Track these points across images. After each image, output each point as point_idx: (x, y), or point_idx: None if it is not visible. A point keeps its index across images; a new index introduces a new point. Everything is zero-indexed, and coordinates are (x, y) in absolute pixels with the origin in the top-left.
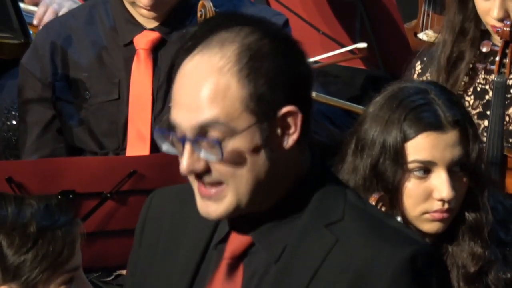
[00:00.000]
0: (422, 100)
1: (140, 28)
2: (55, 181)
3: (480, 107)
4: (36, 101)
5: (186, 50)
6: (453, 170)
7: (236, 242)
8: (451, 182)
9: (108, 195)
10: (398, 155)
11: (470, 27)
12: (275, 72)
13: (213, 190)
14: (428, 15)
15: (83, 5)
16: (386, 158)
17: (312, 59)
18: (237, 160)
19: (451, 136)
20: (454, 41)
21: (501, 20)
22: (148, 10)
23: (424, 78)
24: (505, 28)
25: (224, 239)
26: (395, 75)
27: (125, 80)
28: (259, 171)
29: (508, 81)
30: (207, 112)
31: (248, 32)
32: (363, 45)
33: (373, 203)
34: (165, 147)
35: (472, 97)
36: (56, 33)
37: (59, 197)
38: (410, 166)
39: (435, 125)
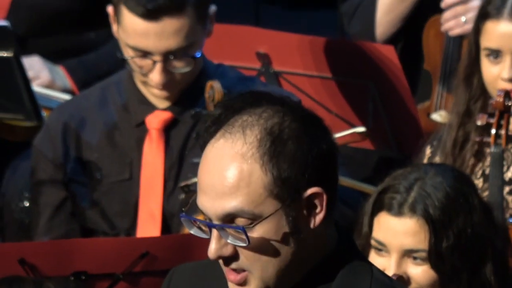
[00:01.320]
0: (404, 183)
1: (152, 108)
2: (68, 262)
3: None
4: (48, 183)
5: (210, 133)
6: (409, 257)
7: None
8: (400, 268)
9: (121, 276)
10: (365, 228)
11: (476, 108)
12: (299, 155)
13: (238, 276)
14: (442, 96)
15: (95, 86)
16: (360, 232)
17: None
18: (264, 245)
19: (407, 224)
20: (460, 123)
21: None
22: (160, 89)
23: (436, 160)
24: (498, 99)
25: None
26: (408, 156)
27: (137, 160)
28: (287, 253)
29: None
30: (231, 200)
31: (270, 115)
32: (361, 129)
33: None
34: (193, 231)
35: (481, 179)
36: (68, 114)
37: (73, 279)
38: (372, 241)
39: (393, 209)
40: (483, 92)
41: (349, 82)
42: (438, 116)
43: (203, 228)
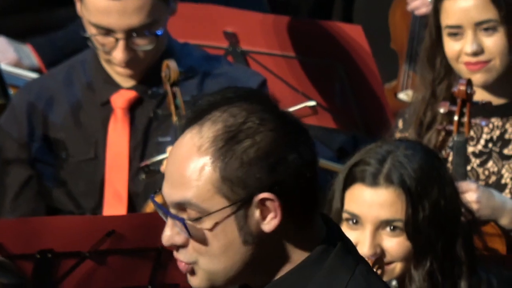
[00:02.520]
0: (378, 155)
1: (117, 87)
2: (34, 240)
3: None
4: (13, 162)
5: (187, 124)
6: (384, 229)
7: None
8: (373, 241)
9: (87, 254)
10: (338, 201)
11: (442, 89)
12: (253, 157)
13: (184, 265)
14: (408, 75)
15: (62, 65)
16: (332, 202)
17: None
18: (210, 240)
19: (384, 194)
20: (426, 105)
21: (475, 54)
22: (123, 67)
23: (407, 134)
24: (461, 88)
25: None
26: (375, 135)
27: (102, 139)
28: (234, 252)
29: (485, 135)
30: (182, 191)
31: (237, 113)
32: (312, 103)
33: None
34: (160, 213)
35: (451, 153)
36: (34, 93)
37: (39, 256)
38: (344, 215)
39: (369, 180)
40: (447, 73)
41: (316, 62)
42: (405, 96)
43: (162, 214)
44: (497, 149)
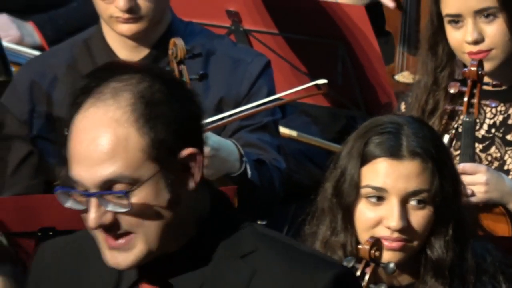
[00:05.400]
0: (391, 129)
1: None
2: (35, 218)
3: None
4: (12, 138)
5: (77, 104)
6: (410, 202)
7: None
8: (403, 213)
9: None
10: (355, 178)
11: (444, 77)
12: (172, 116)
13: (121, 241)
14: (403, 55)
15: (64, 43)
16: (345, 180)
17: (276, 96)
18: (144, 209)
19: (409, 166)
20: (428, 92)
21: (476, 43)
22: (126, 19)
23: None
24: (472, 68)
25: None
26: (377, 116)
27: None
28: (167, 216)
29: (488, 120)
30: (109, 167)
31: (138, 80)
32: (323, 81)
33: (367, 247)
34: (69, 203)
35: (453, 136)
36: (36, 70)
37: (40, 234)
38: (363, 191)
39: (392, 153)
40: (449, 60)
41: (318, 41)
42: (401, 77)
43: (79, 199)
44: (500, 135)
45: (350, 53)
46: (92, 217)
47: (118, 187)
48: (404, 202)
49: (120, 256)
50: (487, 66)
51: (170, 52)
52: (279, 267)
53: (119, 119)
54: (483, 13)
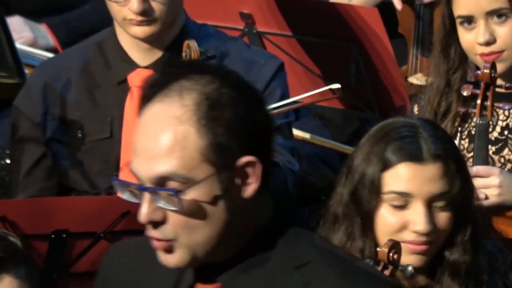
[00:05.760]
0: (408, 132)
1: (134, 66)
2: (49, 220)
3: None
4: (26, 140)
5: (147, 97)
6: (433, 204)
7: None
8: (429, 216)
9: (102, 235)
10: (375, 184)
11: (456, 79)
12: (235, 122)
13: (162, 243)
14: (417, 58)
15: (77, 45)
16: (364, 186)
17: (290, 100)
18: (195, 210)
19: (432, 169)
20: (441, 95)
21: (488, 44)
22: (140, 21)
23: None
24: (485, 71)
25: None
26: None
27: (118, 118)
28: (217, 221)
29: (500, 122)
30: (165, 163)
31: (208, 81)
32: (336, 86)
33: (386, 249)
34: (125, 195)
35: (467, 140)
36: (50, 72)
37: (53, 237)
38: (387, 197)
39: (414, 157)
40: (462, 62)
41: (332, 44)
42: (415, 79)
43: (135, 192)
44: None
45: (364, 55)
46: (143, 211)
47: (172, 184)
48: (428, 205)
49: (166, 256)
50: (499, 67)
51: (183, 54)
52: (332, 281)
53: (180, 117)
54: (495, 14)
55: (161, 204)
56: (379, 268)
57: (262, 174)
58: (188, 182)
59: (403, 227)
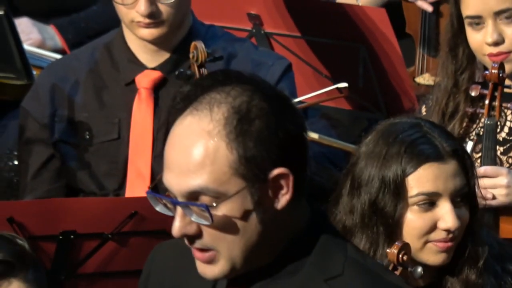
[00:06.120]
0: (418, 134)
1: (142, 67)
2: (56, 221)
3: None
4: (33, 142)
5: (178, 110)
6: (455, 200)
7: None
8: (455, 212)
9: (109, 236)
10: (399, 190)
11: (464, 79)
12: (265, 134)
13: (205, 255)
14: (424, 58)
15: (85, 46)
16: (386, 193)
17: (298, 99)
18: (228, 224)
19: (452, 166)
20: (448, 96)
21: (496, 44)
22: (147, 24)
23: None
24: (493, 71)
25: None
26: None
27: (126, 119)
28: (251, 233)
29: (509, 123)
30: (196, 178)
31: (238, 93)
32: (344, 84)
33: (395, 251)
34: (159, 207)
35: (475, 141)
36: (58, 74)
37: (61, 238)
38: (414, 199)
39: (435, 156)
40: (470, 63)
41: (340, 44)
42: (422, 79)
43: (169, 205)
44: None
45: (372, 56)
46: (176, 225)
47: (204, 199)
48: (453, 201)
49: (206, 268)
50: (508, 67)
51: (191, 55)
52: None
53: (211, 131)
54: (503, 14)
55: (193, 218)
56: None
57: (297, 184)
58: (220, 197)
59: (432, 228)
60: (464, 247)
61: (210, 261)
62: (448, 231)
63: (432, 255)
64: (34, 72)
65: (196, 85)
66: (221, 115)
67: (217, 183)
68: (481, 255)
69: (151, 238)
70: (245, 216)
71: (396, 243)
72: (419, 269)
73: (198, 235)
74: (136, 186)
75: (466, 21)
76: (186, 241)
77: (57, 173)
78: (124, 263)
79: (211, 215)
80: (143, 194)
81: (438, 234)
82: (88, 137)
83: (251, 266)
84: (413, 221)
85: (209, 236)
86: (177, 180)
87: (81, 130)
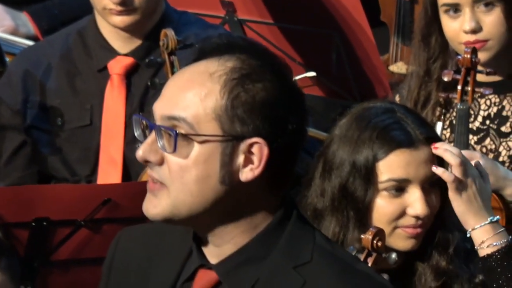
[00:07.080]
0: (391, 119)
1: (114, 53)
2: (30, 208)
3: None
4: (6, 128)
5: (198, 58)
6: (425, 186)
7: (203, 281)
8: (425, 199)
9: (82, 223)
10: (370, 175)
11: (436, 67)
12: (261, 102)
13: (155, 185)
14: (398, 46)
15: (58, 33)
16: (356, 178)
17: None
18: (189, 166)
19: (423, 152)
20: (420, 84)
21: (474, 32)
22: (119, 11)
23: None
24: (466, 56)
25: (191, 277)
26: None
27: (98, 106)
28: (207, 188)
29: (482, 112)
30: (180, 108)
31: (257, 63)
32: (312, 74)
33: (370, 237)
34: (137, 133)
35: (448, 130)
36: (30, 60)
37: (34, 224)
38: (384, 185)
39: (407, 142)
40: (442, 51)
41: (313, 31)
42: (396, 68)
43: (146, 131)
44: (495, 126)
45: (345, 43)
46: (142, 148)
47: (178, 129)
48: (423, 188)
49: (149, 203)
50: (483, 56)
51: (161, 43)
52: (329, 282)
53: (213, 73)
54: (481, 1)
55: (160, 143)
56: (363, 255)
57: (272, 171)
58: (192, 132)
59: (401, 214)
60: (434, 233)
61: (156, 194)
62: (417, 217)
63: (401, 241)
64: (7, 59)
65: (228, 43)
66: (230, 63)
67: (196, 119)
68: (452, 241)
69: (124, 225)
70: (208, 166)
71: (371, 228)
72: (394, 255)
73: (159, 165)
74: (108, 172)
75: (442, 9)
76: (148, 170)
77: (29, 160)
78: (97, 250)
79: (175, 143)
80: (115, 181)
81: (407, 220)
82: (60, 123)
83: (194, 226)
84: (382, 207)
85: (168, 169)
86: (163, 104)
87: (53, 116)
